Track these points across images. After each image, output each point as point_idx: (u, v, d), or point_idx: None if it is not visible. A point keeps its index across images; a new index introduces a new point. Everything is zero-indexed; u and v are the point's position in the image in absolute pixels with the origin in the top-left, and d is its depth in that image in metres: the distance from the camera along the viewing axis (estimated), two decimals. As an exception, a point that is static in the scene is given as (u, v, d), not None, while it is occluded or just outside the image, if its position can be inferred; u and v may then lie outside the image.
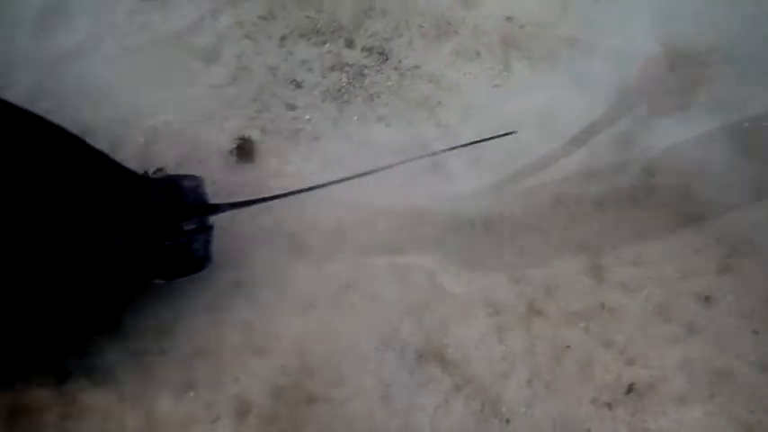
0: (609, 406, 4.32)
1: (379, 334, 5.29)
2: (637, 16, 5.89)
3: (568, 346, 4.61)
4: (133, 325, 4.31)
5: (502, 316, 4.69)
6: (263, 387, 4.27)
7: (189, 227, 3.59)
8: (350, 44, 5.62)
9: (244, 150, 6.22)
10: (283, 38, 5.76)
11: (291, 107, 5.57)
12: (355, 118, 5.50)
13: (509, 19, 5.76)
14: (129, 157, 5.15)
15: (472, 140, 4.40)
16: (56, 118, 4.30)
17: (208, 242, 3.71)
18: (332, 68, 5.53)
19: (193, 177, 3.96)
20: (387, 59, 5.55)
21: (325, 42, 5.71)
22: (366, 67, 5.63)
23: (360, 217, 4.70)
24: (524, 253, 4.77)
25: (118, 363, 4.23)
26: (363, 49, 5.62)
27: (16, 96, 4.76)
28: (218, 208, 3.70)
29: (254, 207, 4.20)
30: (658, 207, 4.97)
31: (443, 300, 4.89)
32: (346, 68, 5.58)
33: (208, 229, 3.68)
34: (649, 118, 5.10)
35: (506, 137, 4.32)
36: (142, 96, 5.24)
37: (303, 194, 3.96)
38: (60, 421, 3.85)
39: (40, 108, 5.11)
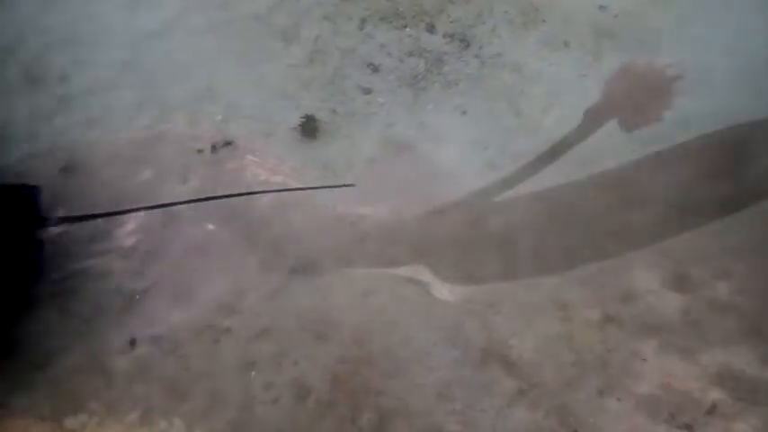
0: (688, 427, 3.93)
1: (442, 329, 5.07)
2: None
3: (644, 359, 4.23)
4: (203, 301, 4.28)
5: (574, 322, 4.37)
6: (323, 373, 4.14)
7: (19, 238, 3.35)
8: (431, 29, 5.41)
9: (307, 128, 6.18)
10: (363, 20, 5.63)
11: (366, 91, 5.44)
12: (430, 106, 5.31)
13: (602, 8, 5.36)
14: (205, 133, 5.18)
15: (339, 184, 3.84)
16: (141, 94, 4.38)
17: (37, 254, 3.34)
18: (410, 54, 5.34)
19: (30, 188, 3.70)
20: (468, 46, 5.31)
21: (405, 26, 5.53)
22: (446, 53, 5.41)
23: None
24: (601, 256, 4.43)
25: (185, 334, 4.24)
26: (445, 35, 5.40)
27: (108, 71, 4.91)
28: (47, 221, 3.44)
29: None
30: (754, 218, 4.50)
31: (511, 299, 4.59)
32: (425, 54, 5.38)
33: (38, 241, 3.41)
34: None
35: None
36: (221, 73, 5.26)
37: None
38: (129, 383, 3.87)
39: (126, 82, 5.27)
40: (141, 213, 3.18)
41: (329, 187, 3.30)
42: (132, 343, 4.21)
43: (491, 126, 4.75)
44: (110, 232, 3.20)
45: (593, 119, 4.06)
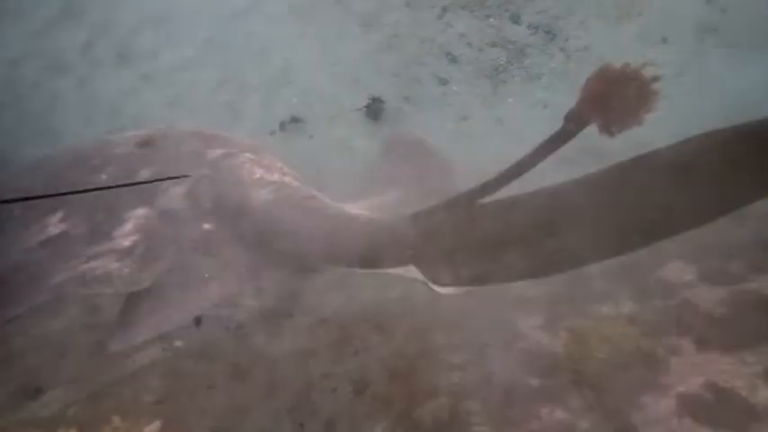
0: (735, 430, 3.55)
1: (511, 332, 4.85)
2: None
3: (684, 356, 3.98)
4: (271, 286, 4.27)
5: (654, 338, 4.02)
6: (382, 367, 4.03)
7: None
8: (516, 20, 5.14)
9: (373, 110, 6.03)
10: (444, 9, 5.42)
11: (443, 81, 5.24)
12: (510, 100, 5.05)
13: (709, 1, 4.89)
14: (278, 113, 5.08)
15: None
16: (221, 73, 4.37)
17: None
18: (492, 44, 5.11)
19: None
20: (553, 39, 5.01)
21: (488, 16, 5.29)
22: (529, 45, 5.14)
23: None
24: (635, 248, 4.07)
25: (249, 317, 4.24)
26: (530, 26, 5.13)
27: (192, 50, 4.96)
28: None
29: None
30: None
31: (588, 311, 4.32)
32: (508, 45, 5.13)
33: None
34: None
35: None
36: (299, 55, 5.21)
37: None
38: (195, 362, 3.90)
39: (209, 61, 5.31)
40: (141, 212, 3.03)
41: (159, 180, 3.05)
42: (198, 322, 4.23)
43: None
44: (108, 233, 3.09)
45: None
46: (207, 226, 2.91)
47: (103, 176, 3.36)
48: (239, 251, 2.71)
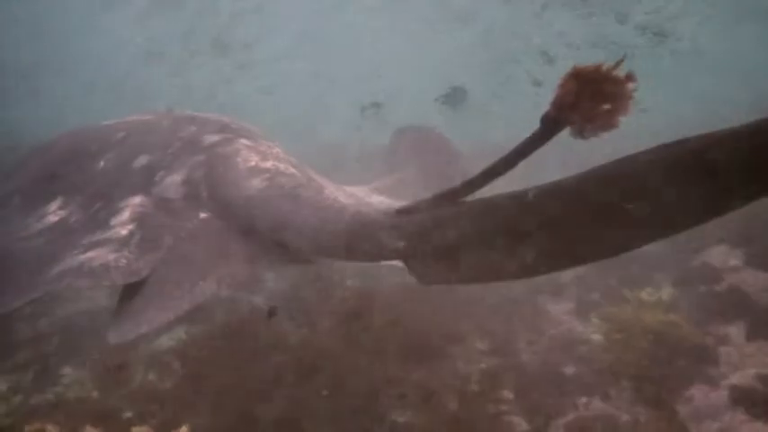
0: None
1: (540, 318, 4.54)
2: None
3: (734, 345, 3.49)
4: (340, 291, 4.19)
5: (700, 326, 3.56)
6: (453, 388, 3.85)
7: None
8: (622, 19, 4.76)
9: (451, 98, 5.71)
10: (545, 6, 5.15)
11: (536, 82, 4.96)
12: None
13: None
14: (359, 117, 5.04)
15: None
16: (314, 64, 4.38)
17: None
18: (593, 44, 4.77)
19: None
20: (664, 40, 4.57)
21: (591, 15, 4.95)
22: (635, 46, 4.73)
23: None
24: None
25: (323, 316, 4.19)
26: (637, 27, 4.72)
27: (288, 41, 5.04)
28: None
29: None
30: None
31: (624, 297, 4.10)
32: (610, 46, 4.76)
33: None
34: None
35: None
36: (388, 53, 5.14)
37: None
38: (271, 350, 3.90)
39: (300, 53, 5.37)
40: (137, 201, 2.83)
41: None
42: (271, 313, 4.22)
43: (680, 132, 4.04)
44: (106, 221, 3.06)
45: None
46: (203, 215, 2.75)
47: (102, 163, 3.21)
48: (236, 241, 2.57)
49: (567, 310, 4.91)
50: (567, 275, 4.95)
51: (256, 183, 2.61)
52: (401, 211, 1.89)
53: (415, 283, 2.15)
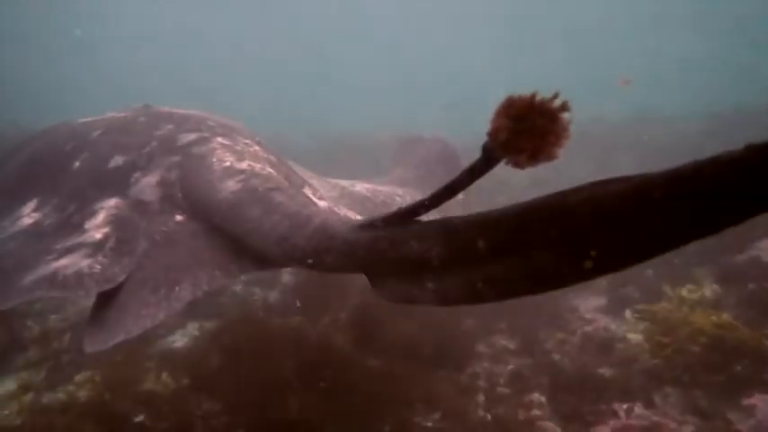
0: None
1: (569, 315, 4.34)
2: None
3: None
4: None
5: (754, 327, 3.34)
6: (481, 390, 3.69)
7: None
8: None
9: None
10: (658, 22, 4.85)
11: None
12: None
13: None
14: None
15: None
16: (396, 75, 4.14)
17: None
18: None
19: None
20: None
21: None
22: None
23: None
24: None
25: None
26: None
27: (370, 53, 4.85)
28: None
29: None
30: None
31: (661, 294, 3.82)
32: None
33: None
34: None
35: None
36: (475, 63, 4.89)
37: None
38: (287, 349, 3.77)
39: (386, 63, 5.16)
40: (112, 203, 2.81)
41: None
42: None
43: None
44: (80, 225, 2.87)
45: None
46: (179, 218, 2.70)
47: (77, 163, 3.16)
48: (212, 245, 2.51)
49: (598, 307, 4.71)
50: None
51: (230, 185, 2.57)
52: (362, 226, 1.85)
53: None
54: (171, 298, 2.24)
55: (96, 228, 2.62)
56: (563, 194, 1.49)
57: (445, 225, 1.68)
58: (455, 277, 1.68)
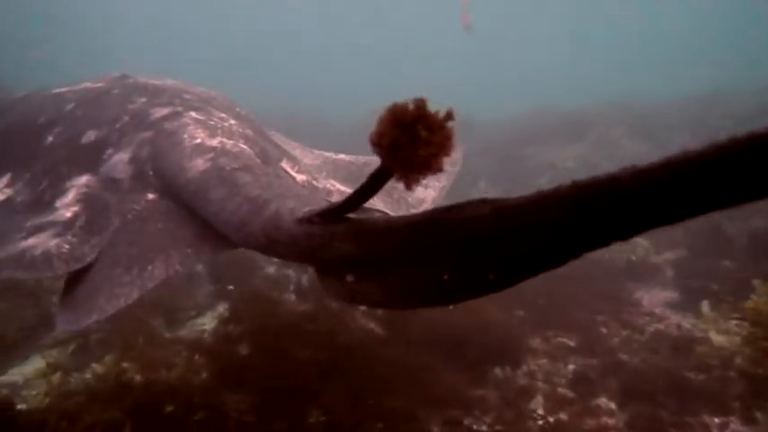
0: None
1: (632, 308, 3.90)
2: None
3: None
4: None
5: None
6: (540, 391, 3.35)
7: None
8: None
9: None
10: None
11: None
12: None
13: None
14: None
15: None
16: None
17: None
18: None
19: None
20: None
21: None
22: None
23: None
24: None
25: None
26: None
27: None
28: None
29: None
30: None
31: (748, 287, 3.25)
32: None
33: None
34: None
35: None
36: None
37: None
38: (320, 340, 3.54)
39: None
40: (83, 180, 2.73)
41: None
42: None
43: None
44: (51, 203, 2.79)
45: None
46: (151, 196, 2.63)
47: (50, 138, 3.09)
48: (184, 223, 2.44)
49: (667, 301, 4.27)
50: (660, 256, 4.31)
51: (199, 163, 2.49)
52: (301, 220, 1.77)
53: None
54: (144, 277, 2.20)
55: (66, 206, 2.58)
56: (453, 208, 1.43)
57: (361, 226, 1.62)
58: (371, 280, 1.65)
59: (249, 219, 2.05)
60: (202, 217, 2.35)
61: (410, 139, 1.28)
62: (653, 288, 4.45)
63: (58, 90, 3.55)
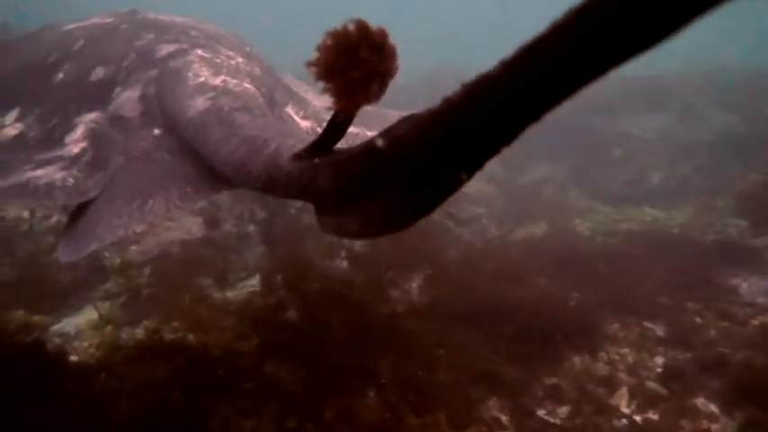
0: None
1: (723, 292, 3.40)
2: None
3: None
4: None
5: None
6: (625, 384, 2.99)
7: None
8: None
9: None
10: None
11: None
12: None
13: None
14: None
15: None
16: None
17: None
18: None
19: None
20: None
21: None
22: None
23: None
24: None
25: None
26: None
27: None
28: None
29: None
30: None
31: None
32: None
33: None
34: None
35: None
36: None
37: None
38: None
39: None
40: (92, 117, 2.82)
41: None
42: None
43: None
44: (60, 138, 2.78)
45: None
46: (157, 132, 2.65)
47: (60, 75, 3.09)
48: (187, 161, 2.45)
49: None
50: (760, 239, 3.81)
51: (200, 103, 2.50)
52: (297, 156, 1.76)
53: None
54: (144, 210, 2.24)
55: (74, 142, 2.65)
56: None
57: (335, 157, 1.63)
58: (348, 211, 1.65)
59: (249, 158, 2.02)
60: (203, 157, 2.35)
61: (349, 64, 1.25)
62: (752, 275, 3.89)
63: (67, 27, 3.53)
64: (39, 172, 2.46)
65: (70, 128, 2.74)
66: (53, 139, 2.73)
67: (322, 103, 3.57)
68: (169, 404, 2.64)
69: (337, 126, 1.58)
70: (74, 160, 2.51)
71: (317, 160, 1.70)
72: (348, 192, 1.64)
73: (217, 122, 2.33)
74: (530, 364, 3.02)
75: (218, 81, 2.71)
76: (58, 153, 2.56)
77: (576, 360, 3.03)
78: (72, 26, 3.57)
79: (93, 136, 2.66)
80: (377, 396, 2.85)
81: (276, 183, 1.90)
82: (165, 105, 2.73)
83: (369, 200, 1.58)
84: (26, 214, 4.38)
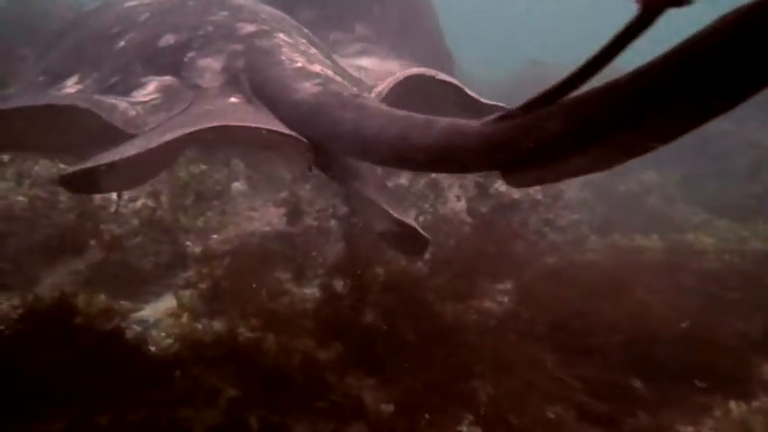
0: None
1: None
2: None
3: None
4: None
5: None
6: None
7: None
8: None
9: None
10: None
11: None
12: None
13: None
14: None
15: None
16: None
17: None
18: None
19: None
20: None
21: None
22: None
23: None
24: None
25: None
26: None
27: None
28: None
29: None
30: None
31: None
32: None
33: None
34: None
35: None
36: None
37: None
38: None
39: None
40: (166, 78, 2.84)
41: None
42: None
43: None
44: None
45: None
46: (234, 99, 2.67)
47: (122, 43, 3.11)
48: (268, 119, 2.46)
49: None
50: None
51: (308, 86, 2.50)
52: (491, 121, 1.76)
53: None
54: (168, 134, 2.17)
55: (143, 95, 2.66)
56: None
57: (571, 102, 1.58)
58: (580, 153, 1.59)
59: (411, 133, 1.99)
60: (320, 138, 2.35)
61: None
62: None
63: (128, 3, 3.58)
64: (105, 97, 2.47)
65: (137, 85, 2.74)
66: (115, 93, 2.70)
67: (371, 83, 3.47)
68: (244, 416, 2.46)
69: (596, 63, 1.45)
70: (140, 103, 2.50)
71: (546, 108, 1.63)
72: (585, 132, 1.57)
73: (342, 105, 2.31)
74: (659, 407, 2.61)
75: (317, 69, 2.71)
76: (125, 98, 2.56)
77: (733, 405, 2.53)
78: (133, 2, 3.59)
79: (167, 91, 2.66)
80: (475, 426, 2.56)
81: (456, 151, 1.88)
82: (260, 82, 2.70)
83: (611, 135, 1.52)
84: (114, 196, 4.42)
